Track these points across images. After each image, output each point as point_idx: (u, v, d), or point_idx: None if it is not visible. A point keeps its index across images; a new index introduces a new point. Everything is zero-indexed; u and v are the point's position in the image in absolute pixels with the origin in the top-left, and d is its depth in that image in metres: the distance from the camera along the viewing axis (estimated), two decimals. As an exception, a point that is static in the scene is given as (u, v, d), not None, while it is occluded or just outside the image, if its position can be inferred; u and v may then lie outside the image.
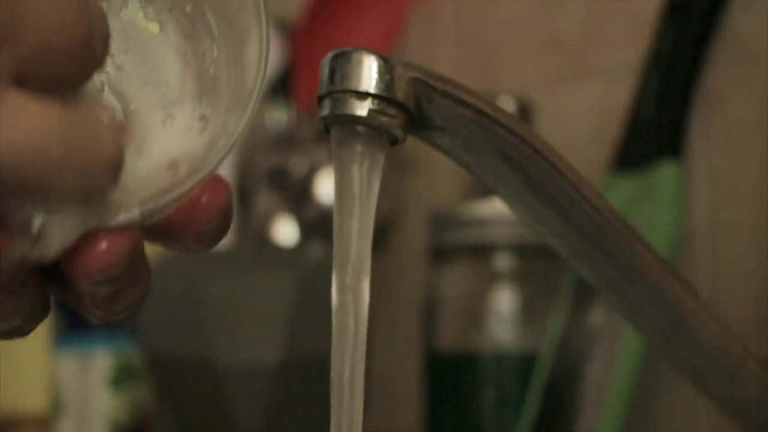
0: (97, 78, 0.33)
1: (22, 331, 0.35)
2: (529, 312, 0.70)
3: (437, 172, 0.83)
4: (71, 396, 0.85)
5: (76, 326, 0.85)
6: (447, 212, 0.74)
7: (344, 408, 0.36)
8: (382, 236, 0.82)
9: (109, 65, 0.34)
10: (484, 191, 0.71)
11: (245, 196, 0.83)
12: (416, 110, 0.37)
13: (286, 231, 0.82)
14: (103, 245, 0.32)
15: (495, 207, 0.69)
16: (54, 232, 0.31)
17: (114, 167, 0.31)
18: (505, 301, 0.70)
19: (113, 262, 0.33)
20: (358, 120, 0.36)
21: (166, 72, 0.34)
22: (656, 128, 0.69)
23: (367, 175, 0.36)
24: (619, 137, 0.70)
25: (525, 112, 0.73)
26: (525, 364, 0.69)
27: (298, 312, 0.70)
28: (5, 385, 0.95)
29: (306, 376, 0.71)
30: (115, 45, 0.32)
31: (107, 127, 0.31)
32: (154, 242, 0.35)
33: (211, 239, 0.35)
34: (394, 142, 0.37)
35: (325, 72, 0.36)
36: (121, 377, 0.85)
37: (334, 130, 0.36)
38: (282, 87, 0.87)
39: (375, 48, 0.36)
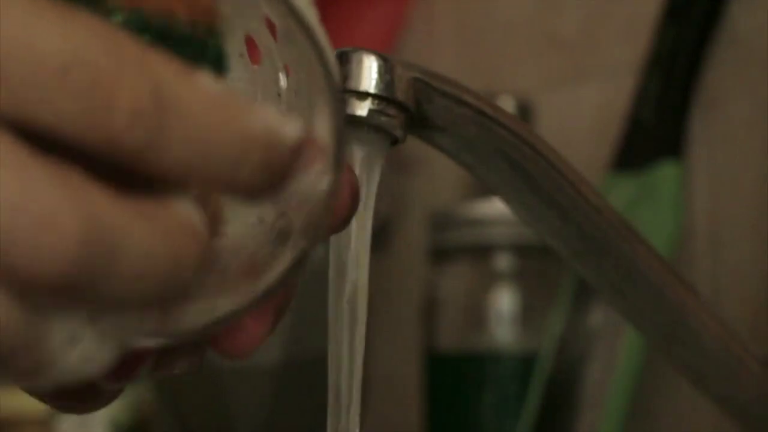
0: None
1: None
2: (529, 312, 0.70)
3: (437, 172, 0.83)
4: (71, 396, 0.85)
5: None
6: (447, 212, 0.74)
7: (341, 408, 0.36)
8: (382, 236, 0.82)
9: None
10: (484, 191, 0.71)
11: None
12: (416, 110, 0.37)
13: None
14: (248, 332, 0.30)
15: (495, 207, 0.69)
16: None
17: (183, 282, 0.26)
18: (505, 301, 0.70)
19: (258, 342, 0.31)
20: (358, 120, 0.36)
21: None
22: (656, 128, 0.69)
23: (367, 175, 0.36)
24: (619, 137, 0.70)
25: (525, 112, 0.73)
26: (525, 364, 0.69)
27: (298, 312, 0.70)
28: (5, 385, 0.95)
29: (306, 376, 0.71)
30: None
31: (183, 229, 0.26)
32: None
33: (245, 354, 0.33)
34: (394, 142, 0.37)
35: (325, 72, 0.36)
36: (121, 377, 0.85)
37: (334, 130, 0.36)
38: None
39: (375, 48, 0.36)
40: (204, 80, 0.25)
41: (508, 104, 0.71)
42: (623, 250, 0.44)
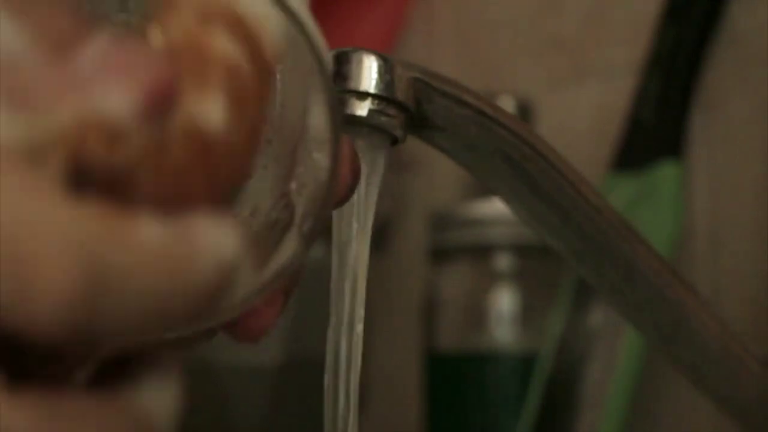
0: None
1: None
2: (529, 312, 0.70)
3: (437, 172, 0.83)
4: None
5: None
6: (447, 212, 0.74)
7: (339, 408, 0.36)
8: (382, 236, 0.82)
9: None
10: (484, 191, 0.71)
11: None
12: (416, 110, 0.37)
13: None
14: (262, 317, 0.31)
15: (495, 207, 0.69)
16: None
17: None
18: (505, 301, 0.70)
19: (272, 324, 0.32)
20: (358, 120, 0.36)
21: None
22: (656, 128, 0.69)
23: (367, 175, 0.36)
24: (619, 137, 0.70)
25: (525, 112, 0.73)
26: (525, 364, 0.69)
27: (298, 312, 0.70)
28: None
29: (306, 376, 0.71)
30: None
31: None
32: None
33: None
34: (394, 142, 0.37)
35: (325, 72, 0.36)
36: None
37: (334, 130, 0.36)
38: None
39: (375, 48, 0.36)
40: (144, 228, 0.22)
41: (508, 104, 0.71)
42: (623, 250, 0.44)
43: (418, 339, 0.76)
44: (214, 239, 0.23)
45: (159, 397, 0.24)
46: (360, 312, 0.36)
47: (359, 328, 0.36)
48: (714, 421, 0.66)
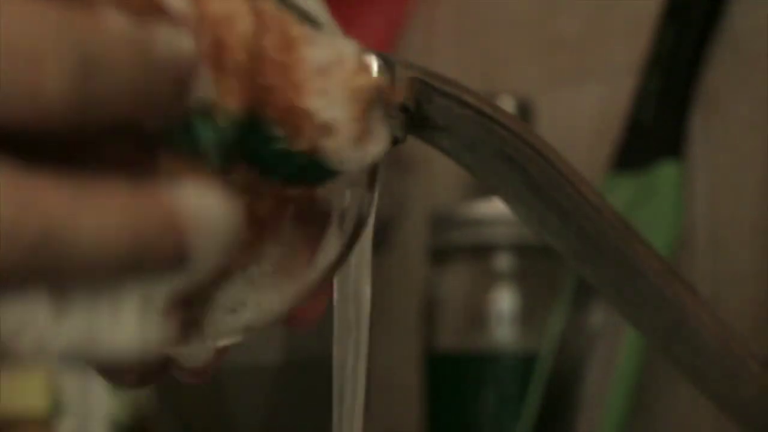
0: None
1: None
2: (529, 312, 0.70)
3: (437, 172, 0.83)
4: (71, 396, 0.85)
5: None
6: (447, 212, 0.74)
7: (345, 408, 0.36)
8: (382, 236, 0.82)
9: None
10: (484, 191, 0.71)
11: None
12: (416, 110, 0.37)
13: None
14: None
15: (495, 207, 0.69)
16: None
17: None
18: (505, 301, 0.70)
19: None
20: (358, 120, 0.36)
21: None
22: (656, 128, 0.69)
23: (368, 175, 0.36)
24: (619, 137, 0.70)
25: (525, 112, 0.73)
26: (525, 364, 0.69)
27: (298, 312, 0.70)
28: (5, 385, 0.95)
29: (306, 376, 0.71)
30: None
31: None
32: None
33: None
34: (394, 142, 0.37)
35: (325, 72, 0.36)
36: (121, 377, 0.85)
37: (334, 130, 0.36)
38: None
39: (375, 48, 0.36)
40: (111, 18, 0.25)
41: (508, 104, 0.71)
42: (623, 250, 0.44)
43: (418, 339, 0.76)
44: (169, 35, 0.25)
45: (200, 200, 0.25)
46: (365, 313, 0.36)
47: (364, 329, 0.36)
48: (714, 421, 0.66)
